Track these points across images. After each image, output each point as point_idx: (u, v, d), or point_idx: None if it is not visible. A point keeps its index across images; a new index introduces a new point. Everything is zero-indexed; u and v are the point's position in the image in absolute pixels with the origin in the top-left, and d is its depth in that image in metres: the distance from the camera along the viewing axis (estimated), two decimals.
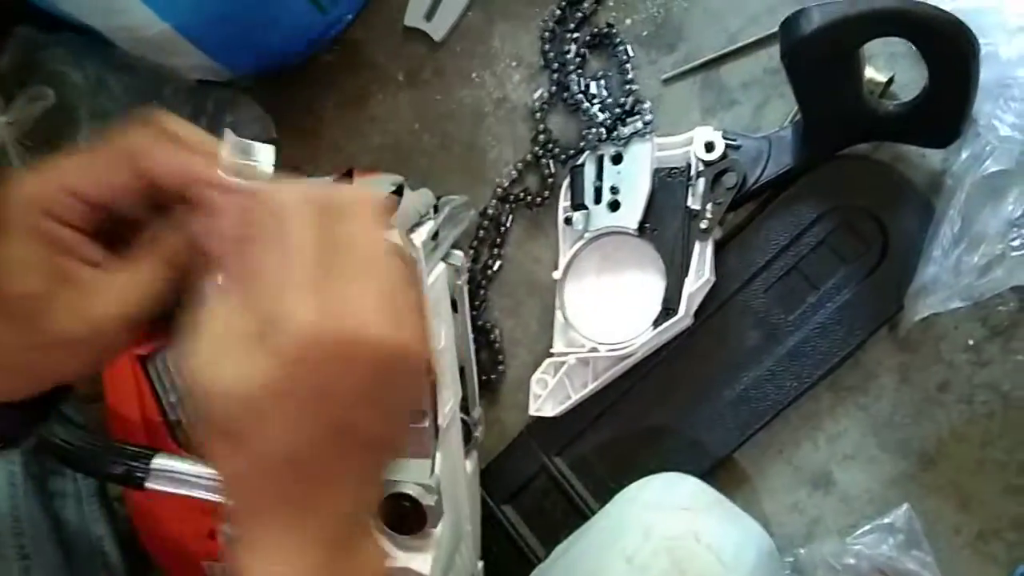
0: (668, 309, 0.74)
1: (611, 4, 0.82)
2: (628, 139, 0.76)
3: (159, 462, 0.61)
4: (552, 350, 0.78)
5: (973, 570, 0.73)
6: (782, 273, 0.74)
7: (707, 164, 0.73)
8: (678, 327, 0.73)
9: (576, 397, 0.76)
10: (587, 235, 0.77)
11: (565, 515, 0.80)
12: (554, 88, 0.82)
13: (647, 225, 0.75)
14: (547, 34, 0.83)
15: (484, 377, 0.82)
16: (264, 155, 0.40)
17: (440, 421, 0.62)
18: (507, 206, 0.84)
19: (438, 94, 0.88)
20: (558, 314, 0.78)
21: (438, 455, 0.62)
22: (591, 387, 0.76)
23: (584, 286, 0.78)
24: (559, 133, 0.83)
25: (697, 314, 0.74)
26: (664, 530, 0.64)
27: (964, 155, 0.66)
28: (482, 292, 0.85)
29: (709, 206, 0.72)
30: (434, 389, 0.59)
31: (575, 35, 0.82)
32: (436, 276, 0.67)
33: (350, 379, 0.33)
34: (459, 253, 0.73)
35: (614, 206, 0.76)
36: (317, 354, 0.32)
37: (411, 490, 0.61)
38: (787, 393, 0.74)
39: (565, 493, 0.80)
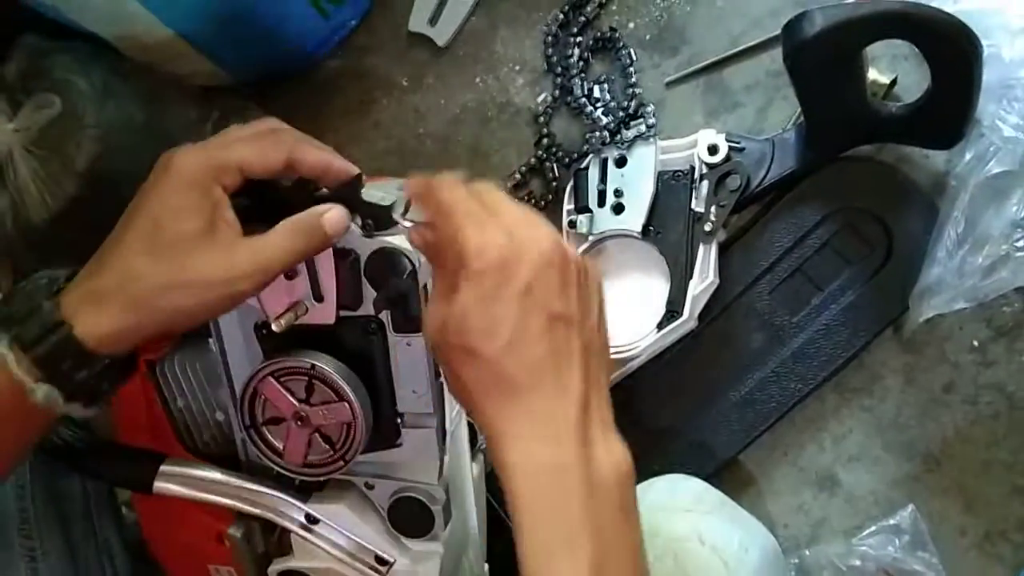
0: (672, 311, 0.74)
1: (614, 8, 0.82)
2: (631, 142, 0.77)
3: (166, 467, 0.62)
4: None
5: (979, 571, 0.73)
6: (786, 275, 0.74)
7: (711, 167, 0.73)
8: (682, 329, 0.74)
9: None
10: (591, 238, 0.77)
11: None
12: (557, 92, 0.83)
13: (651, 228, 0.75)
14: (550, 38, 0.83)
15: None
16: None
17: (448, 425, 0.62)
18: None
19: (442, 99, 0.88)
20: None
21: (446, 458, 0.62)
22: None
23: None
24: (563, 137, 0.83)
25: (701, 316, 0.74)
26: (669, 531, 0.64)
27: (968, 156, 0.66)
28: None
29: (713, 208, 0.72)
30: (442, 392, 0.60)
31: (578, 39, 0.82)
32: None
33: (539, 279, 0.43)
34: None
35: (618, 209, 0.76)
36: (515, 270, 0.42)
37: (419, 493, 0.61)
38: (792, 395, 0.74)
39: None
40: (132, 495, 0.75)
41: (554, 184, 0.83)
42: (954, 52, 0.60)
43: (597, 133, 0.78)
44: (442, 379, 0.60)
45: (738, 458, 0.77)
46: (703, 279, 0.73)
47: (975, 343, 0.72)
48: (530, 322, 0.42)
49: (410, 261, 0.53)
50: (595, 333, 0.46)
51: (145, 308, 0.48)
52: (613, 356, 0.74)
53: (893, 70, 0.73)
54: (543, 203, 0.83)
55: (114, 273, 0.48)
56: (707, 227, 0.73)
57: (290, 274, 0.55)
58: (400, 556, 0.63)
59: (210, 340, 0.60)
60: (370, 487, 0.62)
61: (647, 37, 0.81)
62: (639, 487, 0.70)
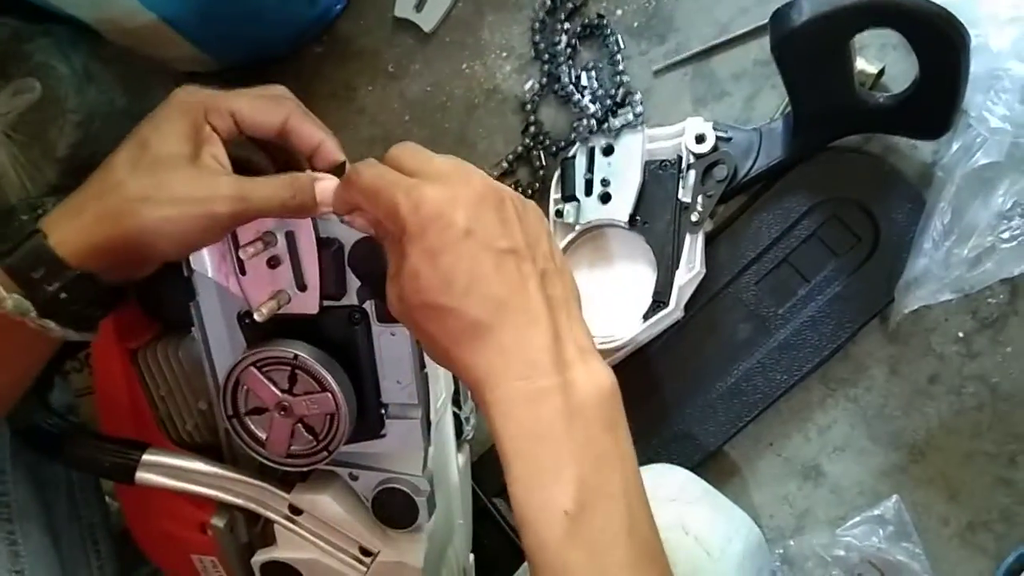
0: (659, 302, 0.74)
1: None
2: (619, 131, 0.76)
3: (149, 456, 0.61)
4: None
5: (962, 561, 0.73)
6: (773, 266, 0.74)
7: (698, 156, 0.73)
8: (669, 320, 0.73)
9: None
10: (578, 227, 0.77)
11: None
12: (545, 79, 0.82)
13: (638, 217, 0.75)
14: (537, 25, 0.82)
15: None
16: None
17: (432, 415, 0.62)
18: None
19: (428, 85, 0.87)
20: None
21: (430, 449, 0.62)
22: None
23: (575, 278, 0.78)
24: (550, 125, 0.83)
25: (688, 307, 0.74)
26: None
27: (955, 147, 0.66)
28: None
29: (700, 198, 0.72)
30: (426, 383, 0.59)
31: (566, 26, 0.81)
32: None
33: (478, 220, 0.44)
34: None
35: (605, 198, 0.76)
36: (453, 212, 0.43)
37: (403, 484, 0.61)
38: (778, 385, 0.74)
39: None
40: (115, 485, 0.74)
41: (541, 172, 0.82)
42: (941, 42, 0.60)
43: (584, 121, 0.78)
44: (426, 370, 0.60)
45: (724, 448, 0.77)
46: (690, 269, 0.73)
47: (960, 334, 0.72)
48: (479, 263, 0.43)
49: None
50: (549, 260, 0.46)
51: (120, 221, 0.47)
52: (599, 347, 0.74)
53: (881, 59, 0.72)
54: (530, 192, 0.83)
55: (95, 185, 0.49)
56: (694, 217, 0.72)
57: (273, 263, 0.55)
58: (384, 547, 0.63)
59: (193, 329, 0.59)
60: (354, 478, 0.62)
61: (635, 24, 0.81)
62: None
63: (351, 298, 0.55)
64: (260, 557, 0.64)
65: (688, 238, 0.73)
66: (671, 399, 0.76)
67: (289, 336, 0.56)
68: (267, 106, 0.52)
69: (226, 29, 0.81)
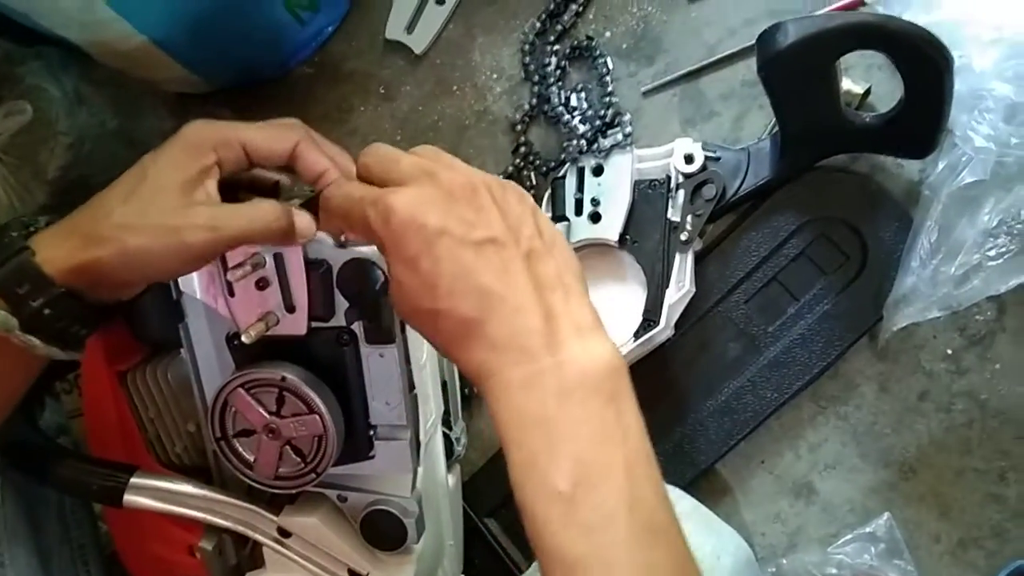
0: (649, 320, 0.74)
1: (591, 17, 0.82)
2: (608, 151, 0.77)
3: (137, 479, 0.61)
4: None
5: None
6: (762, 284, 0.74)
7: (687, 176, 0.73)
8: (659, 338, 0.73)
9: None
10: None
11: None
12: (535, 100, 0.83)
13: (627, 237, 0.75)
14: (527, 47, 0.83)
15: (466, 391, 0.82)
16: None
17: (421, 436, 0.62)
18: None
19: (419, 106, 0.88)
20: None
21: (420, 470, 0.61)
22: None
23: None
24: (540, 145, 0.83)
25: (678, 325, 0.74)
26: None
27: (940, 166, 0.67)
28: None
29: (689, 218, 0.73)
30: (415, 404, 0.59)
31: (555, 48, 0.82)
32: None
33: (450, 217, 0.44)
34: None
35: (595, 218, 0.76)
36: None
37: (392, 506, 0.61)
38: (768, 403, 0.74)
39: None
40: (103, 507, 0.74)
41: (531, 192, 0.82)
42: (925, 64, 0.61)
43: (574, 142, 0.78)
44: (415, 391, 0.60)
45: (715, 467, 0.77)
46: (679, 288, 0.73)
47: (949, 351, 0.73)
48: (458, 260, 0.42)
49: (382, 271, 0.53)
50: (535, 239, 0.45)
51: (103, 245, 0.48)
52: None
53: (867, 80, 0.73)
54: None
55: (89, 210, 0.50)
56: (683, 236, 0.73)
57: (261, 284, 0.55)
58: (374, 569, 0.62)
59: (181, 351, 0.59)
60: (343, 499, 0.62)
61: (624, 46, 0.81)
62: None
63: (339, 319, 0.55)
64: None
65: (678, 257, 0.73)
66: (662, 417, 0.76)
67: (277, 358, 0.56)
68: (277, 134, 0.53)
69: (217, 51, 0.82)
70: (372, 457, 0.59)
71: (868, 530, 0.74)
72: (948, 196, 0.66)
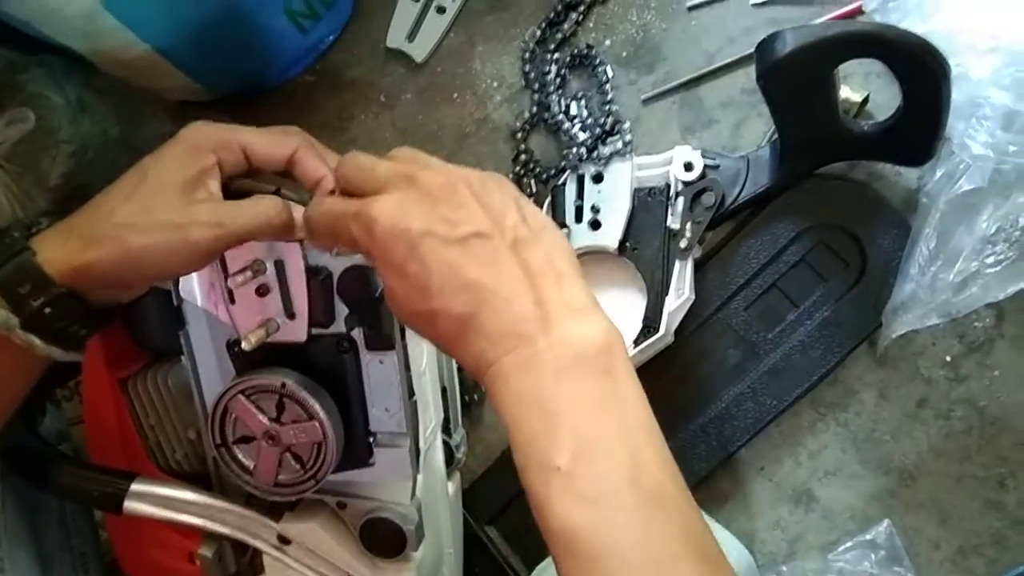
0: (649, 327, 0.74)
1: (591, 25, 0.83)
2: (608, 159, 0.77)
3: (137, 486, 0.61)
4: None
5: None
6: (761, 291, 0.75)
7: (686, 184, 0.73)
8: (659, 345, 0.74)
9: None
10: None
11: None
12: (535, 108, 0.83)
13: (627, 244, 0.75)
14: (528, 55, 0.83)
15: (466, 398, 0.82)
16: None
17: (421, 444, 0.62)
18: None
19: (419, 115, 0.88)
20: None
21: (419, 477, 0.62)
22: None
23: None
24: (540, 153, 0.83)
25: (678, 332, 0.74)
26: None
27: (939, 173, 0.67)
28: None
29: (688, 225, 0.73)
30: (415, 411, 0.59)
31: (555, 56, 0.82)
32: None
33: (431, 218, 0.44)
34: None
35: (595, 225, 0.77)
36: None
37: (391, 513, 0.61)
38: (768, 410, 0.74)
39: None
40: (104, 514, 0.74)
41: (532, 200, 0.83)
42: (923, 72, 0.61)
43: (574, 149, 0.78)
44: (415, 398, 0.60)
45: (715, 474, 0.77)
46: (679, 295, 0.73)
47: (948, 358, 0.73)
48: (444, 258, 0.43)
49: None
50: (520, 227, 0.45)
51: (105, 245, 0.48)
52: None
53: (866, 87, 0.73)
54: None
55: (90, 210, 0.50)
56: (683, 243, 0.73)
57: (262, 291, 0.55)
58: None
59: (182, 357, 0.60)
60: (342, 507, 0.62)
61: (623, 54, 0.82)
62: None
63: (339, 326, 0.56)
64: None
65: (677, 264, 0.73)
66: (661, 424, 0.76)
67: (277, 364, 0.56)
68: (277, 139, 0.54)
69: (219, 59, 0.82)
70: (372, 464, 0.59)
71: (868, 537, 0.74)
72: (946, 203, 0.66)
